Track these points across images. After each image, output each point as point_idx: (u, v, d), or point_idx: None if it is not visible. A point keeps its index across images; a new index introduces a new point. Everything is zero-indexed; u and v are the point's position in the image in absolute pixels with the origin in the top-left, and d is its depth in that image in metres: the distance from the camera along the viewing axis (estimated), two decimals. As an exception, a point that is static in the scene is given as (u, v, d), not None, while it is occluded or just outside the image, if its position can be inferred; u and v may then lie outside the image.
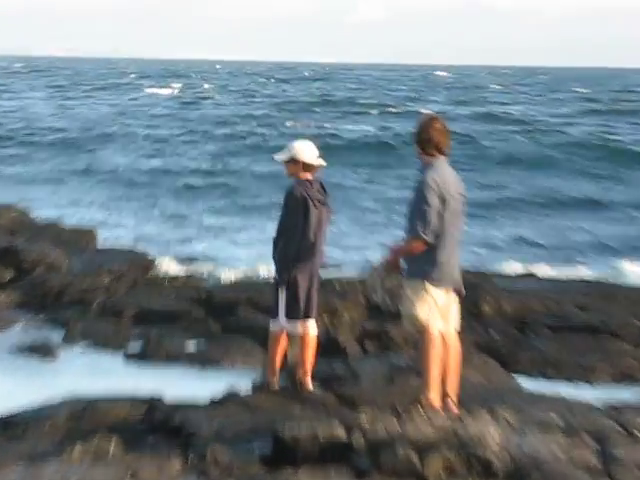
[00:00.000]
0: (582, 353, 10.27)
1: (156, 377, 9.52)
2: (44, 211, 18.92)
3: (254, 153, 32.09)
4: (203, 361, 10.15)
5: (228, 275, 13.89)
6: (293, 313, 7.65)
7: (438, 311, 6.89)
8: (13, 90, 67.98)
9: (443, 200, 6.79)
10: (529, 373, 9.93)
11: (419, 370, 7.07)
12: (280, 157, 7.77)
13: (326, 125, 41.15)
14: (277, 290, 7.70)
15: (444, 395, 6.92)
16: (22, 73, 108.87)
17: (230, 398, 7.50)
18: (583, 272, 14.91)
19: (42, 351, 10.38)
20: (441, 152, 6.96)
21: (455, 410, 6.80)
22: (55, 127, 39.43)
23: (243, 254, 16.24)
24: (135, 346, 10.64)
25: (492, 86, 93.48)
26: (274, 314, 7.74)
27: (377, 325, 10.52)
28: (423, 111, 39.86)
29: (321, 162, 7.74)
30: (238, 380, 8.48)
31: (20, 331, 11.22)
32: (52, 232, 15.32)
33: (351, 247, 17.22)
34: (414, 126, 7.13)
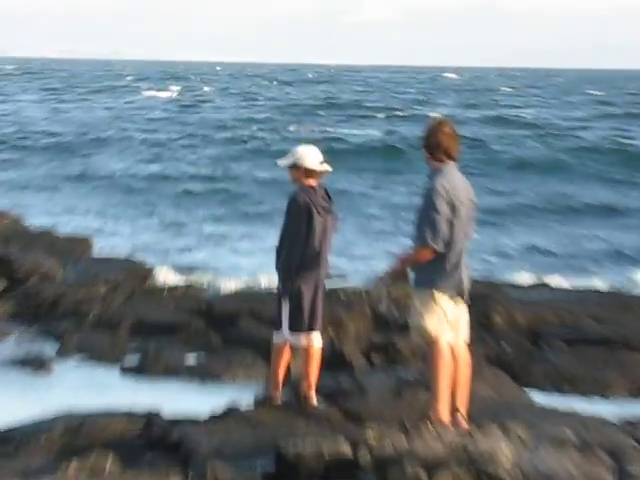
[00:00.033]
0: (597, 366, 10.11)
1: (154, 391, 9.40)
2: (38, 218, 18.65)
3: (256, 158, 31.71)
4: (203, 375, 10.03)
5: (229, 285, 13.69)
6: (297, 325, 7.51)
7: (447, 322, 6.77)
8: (5, 93, 67.50)
9: (452, 207, 6.66)
10: (542, 387, 9.79)
11: (428, 384, 6.96)
12: (283, 162, 7.64)
13: (331, 129, 40.83)
14: (280, 301, 7.56)
15: (454, 410, 6.81)
16: (15, 75, 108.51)
17: (231, 413, 7.39)
18: (598, 282, 14.65)
19: (35, 364, 10.20)
20: (450, 157, 6.82)
21: (465, 425, 6.69)
22: (49, 131, 39.08)
23: (245, 263, 16.04)
24: (132, 359, 10.48)
25: (503, 89, 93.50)
26: (277, 326, 7.61)
27: (384, 337, 10.42)
28: (431, 114, 39.63)
29: (326, 167, 7.58)
30: (239, 394, 8.39)
31: (13, 343, 11.04)
32: (46, 240, 15.08)
33: (357, 256, 17.01)
34: (422, 130, 6.99)
